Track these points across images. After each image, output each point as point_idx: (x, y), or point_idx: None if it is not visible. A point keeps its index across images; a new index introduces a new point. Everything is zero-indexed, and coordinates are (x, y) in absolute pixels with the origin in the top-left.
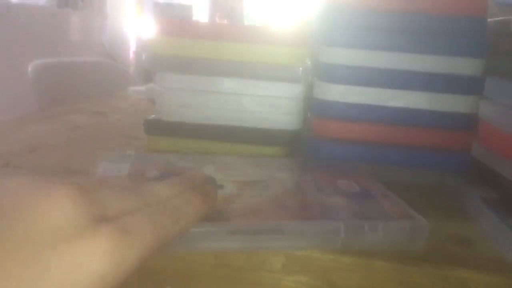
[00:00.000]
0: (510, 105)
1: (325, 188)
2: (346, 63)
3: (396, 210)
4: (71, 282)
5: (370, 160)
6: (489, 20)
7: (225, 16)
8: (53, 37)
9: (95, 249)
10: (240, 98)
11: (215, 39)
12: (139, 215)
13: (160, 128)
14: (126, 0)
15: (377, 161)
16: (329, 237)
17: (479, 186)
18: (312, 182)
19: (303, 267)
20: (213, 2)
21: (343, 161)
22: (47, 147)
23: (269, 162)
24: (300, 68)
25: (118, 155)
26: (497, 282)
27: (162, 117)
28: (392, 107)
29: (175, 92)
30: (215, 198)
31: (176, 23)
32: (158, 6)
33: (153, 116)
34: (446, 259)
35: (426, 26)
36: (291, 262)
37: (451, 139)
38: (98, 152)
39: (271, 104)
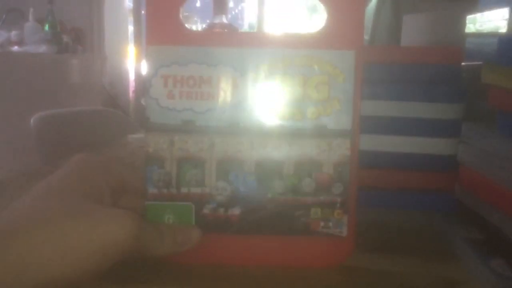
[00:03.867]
0: (486, 150)
1: None
2: None
3: None
4: None
5: (364, 203)
6: None
7: None
8: (54, 82)
9: None
10: None
11: None
12: None
13: None
14: (124, 42)
15: (369, 204)
16: None
17: (466, 227)
18: None
19: None
20: None
21: None
22: None
23: None
24: None
25: None
26: None
27: None
28: (380, 152)
29: None
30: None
31: None
32: None
33: None
34: None
35: (409, 75)
36: None
37: (435, 180)
38: None
39: None
